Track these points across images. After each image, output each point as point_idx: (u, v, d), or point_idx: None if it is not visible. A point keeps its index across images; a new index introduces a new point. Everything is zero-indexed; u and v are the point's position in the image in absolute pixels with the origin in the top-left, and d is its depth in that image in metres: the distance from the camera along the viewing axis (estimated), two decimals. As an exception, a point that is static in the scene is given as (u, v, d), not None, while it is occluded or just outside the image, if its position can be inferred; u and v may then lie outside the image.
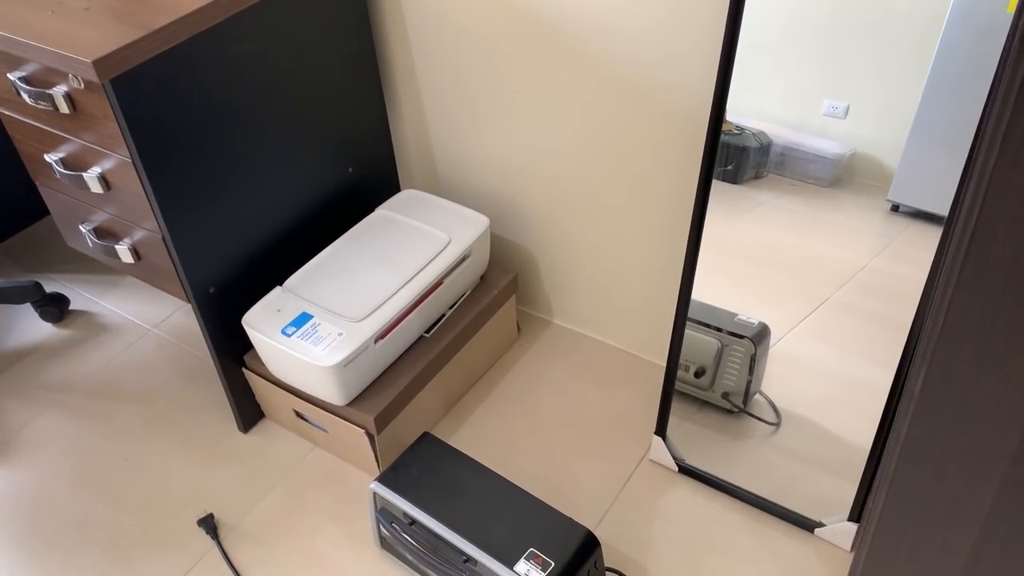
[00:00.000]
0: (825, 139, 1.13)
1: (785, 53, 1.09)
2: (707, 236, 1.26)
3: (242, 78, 1.31)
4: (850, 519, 1.28)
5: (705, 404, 1.43)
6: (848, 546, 1.30)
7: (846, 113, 1.10)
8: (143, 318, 1.83)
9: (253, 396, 1.56)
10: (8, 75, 1.27)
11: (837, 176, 1.15)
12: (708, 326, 1.35)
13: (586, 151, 1.45)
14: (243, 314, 1.46)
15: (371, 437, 1.40)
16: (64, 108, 1.22)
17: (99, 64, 1.09)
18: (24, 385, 1.70)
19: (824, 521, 1.32)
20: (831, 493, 1.32)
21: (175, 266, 1.33)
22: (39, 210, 2.12)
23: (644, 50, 1.28)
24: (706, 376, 1.42)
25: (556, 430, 1.53)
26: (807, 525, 1.34)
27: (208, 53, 1.25)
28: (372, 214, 1.58)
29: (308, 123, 1.46)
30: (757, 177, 1.21)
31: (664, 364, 1.63)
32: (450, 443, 1.41)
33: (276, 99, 1.38)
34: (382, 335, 1.38)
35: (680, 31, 1.23)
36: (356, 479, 1.48)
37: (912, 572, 0.95)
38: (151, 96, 1.19)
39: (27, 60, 1.23)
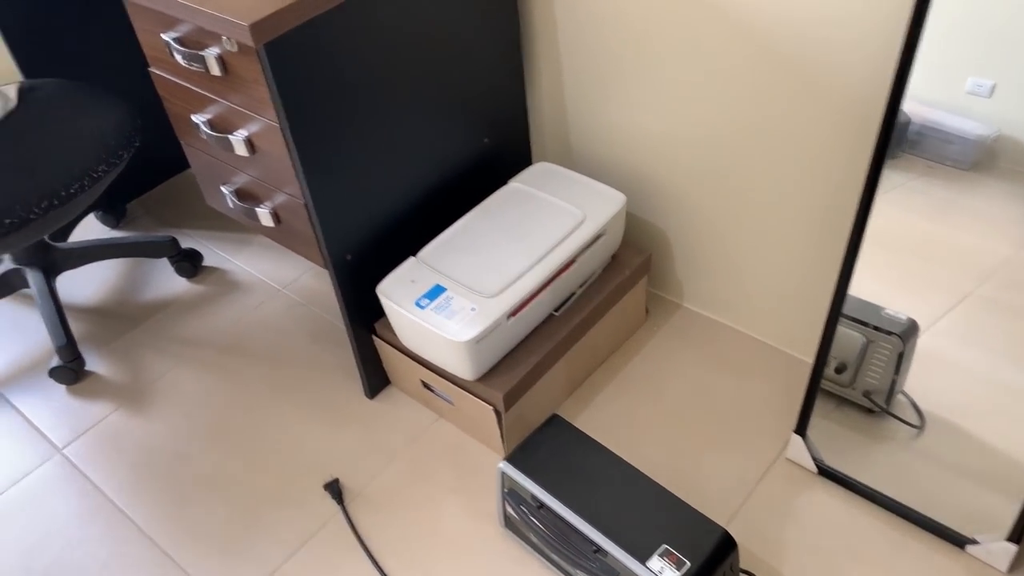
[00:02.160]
0: (967, 119, 1.04)
1: (928, 26, 0.99)
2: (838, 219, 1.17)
3: (386, 45, 1.29)
4: (1009, 539, 1.19)
5: (844, 401, 1.35)
6: (1005, 567, 1.21)
7: (992, 92, 1.00)
8: (273, 278, 1.86)
9: (381, 363, 1.56)
10: (162, 35, 1.28)
11: (978, 159, 1.05)
12: (853, 319, 1.27)
13: (735, 128, 1.38)
14: (376, 282, 1.45)
15: (498, 414, 1.38)
16: (215, 70, 1.23)
17: (255, 28, 1.08)
18: (159, 338, 1.75)
19: (977, 538, 1.23)
20: (983, 507, 1.23)
21: (315, 232, 1.33)
22: (175, 166, 2.18)
23: (813, 27, 1.19)
24: (847, 372, 1.34)
25: (684, 419, 1.48)
26: (957, 541, 1.25)
27: (356, 19, 1.23)
28: (505, 186, 1.54)
29: (447, 91, 1.43)
30: (891, 157, 1.12)
31: (803, 357, 1.56)
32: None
33: (417, 66, 1.36)
34: (514, 312, 1.35)
35: (854, 6, 1.14)
36: (479, 454, 1.47)
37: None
38: (301, 61, 1.18)
39: (181, 21, 1.23)
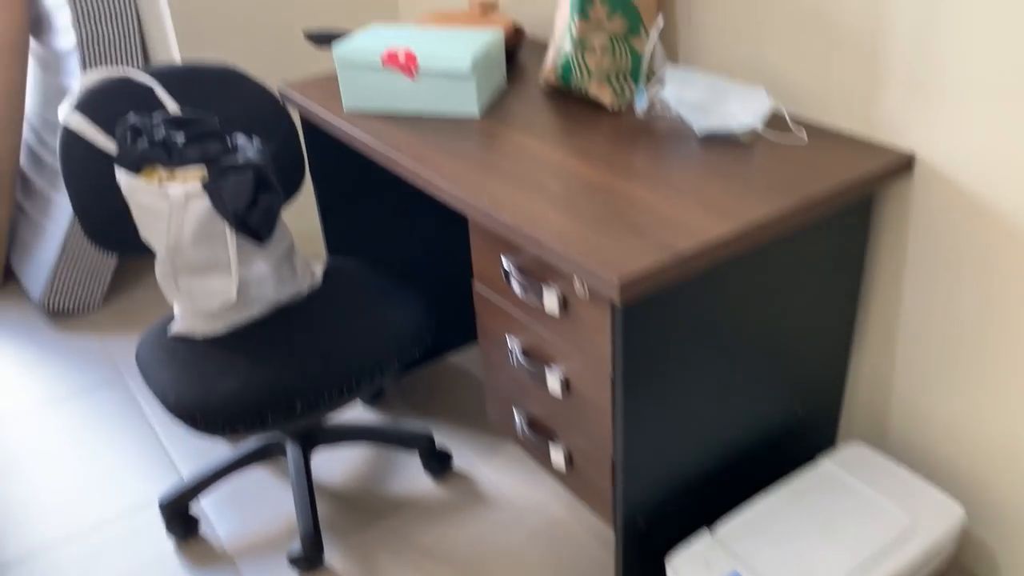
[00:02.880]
0: None
1: None
2: None
3: (730, 307, 1.20)
4: None
5: None
6: None
7: None
8: (520, 496, 1.75)
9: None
10: (502, 257, 1.25)
11: None
12: None
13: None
14: (659, 544, 1.30)
15: None
16: (552, 308, 1.17)
17: (625, 288, 1.02)
18: (398, 540, 1.67)
19: None
20: None
21: (614, 488, 1.22)
22: (439, 351, 2.17)
23: None
24: None
25: None
26: None
27: (713, 284, 1.15)
28: (817, 467, 1.37)
29: (770, 353, 1.31)
30: None
31: None
32: None
33: (751, 329, 1.25)
34: (825, 629, 1.15)
35: None
36: None
37: None
38: (651, 320, 1.10)
39: (523, 248, 1.20)
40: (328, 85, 1.69)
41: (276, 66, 2.27)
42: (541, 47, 1.86)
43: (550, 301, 1.17)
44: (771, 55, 1.42)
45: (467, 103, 1.49)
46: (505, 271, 1.25)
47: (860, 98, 1.32)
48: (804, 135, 1.34)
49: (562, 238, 1.10)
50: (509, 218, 1.16)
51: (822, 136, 1.34)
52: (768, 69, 1.43)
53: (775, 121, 1.39)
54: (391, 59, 1.49)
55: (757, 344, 1.27)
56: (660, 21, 1.40)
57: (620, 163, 1.29)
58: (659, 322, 1.12)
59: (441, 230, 2.02)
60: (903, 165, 1.26)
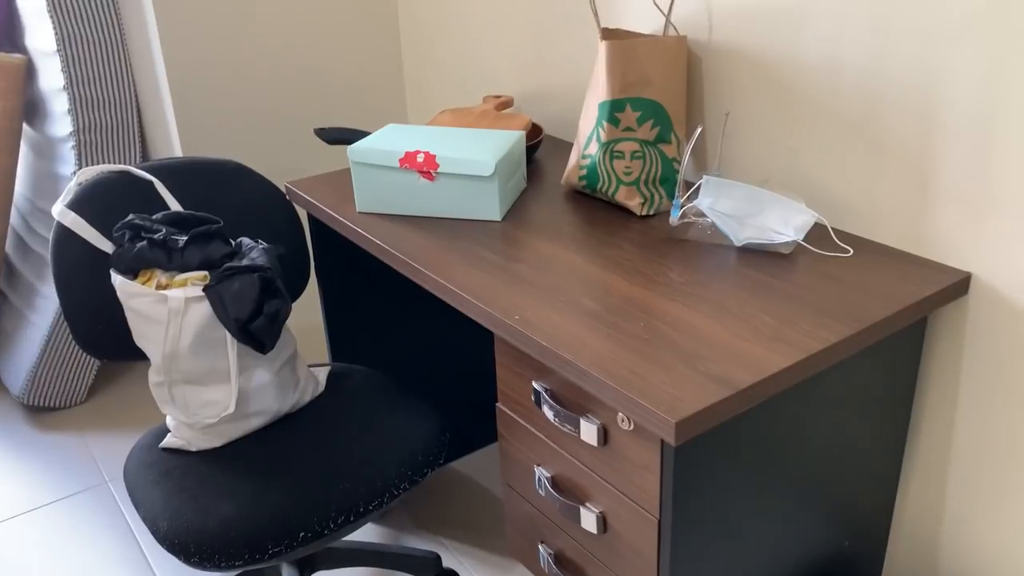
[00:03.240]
0: None
1: None
2: None
3: (783, 442, 1.10)
4: None
5: None
6: None
7: None
8: (533, 624, 1.62)
9: None
10: (533, 383, 1.15)
11: None
12: None
13: None
14: None
15: None
16: (591, 440, 1.07)
17: (683, 429, 0.92)
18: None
19: None
20: None
21: (654, 642, 1.10)
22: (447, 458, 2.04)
23: None
24: None
25: None
26: None
27: (764, 416, 1.05)
28: (868, 609, 1.26)
29: (819, 485, 1.21)
30: None
31: None
32: None
33: (803, 463, 1.15)
34: None
35: None
36: None
37: None
38: (705, 459, 1.00)
39: (558, 373, 1.10)
40: (338, 183, 1.62)
41: (280, 163, 2.20)
42: (559, 145, 1.80)
43: (588, 432, 1.07)
44: (811, 167, 1.36)
45: (488, 206, 1.41)
46: (536, 395, 1.15)
47: (909, 215, 1.25)
48: (850, 249, 1.27)
49: (604, 366, 1.01)
50: (544, 340, 1.06)
51: (869, 251, 1.27)
52: (808, 181, 1.37)
53: (816, 234, 1.32)
54: (409, 160, 1.41)
55: (806, 477, 1.17)
56: (698, 130, 1.34)
57: (657, 277, 1.21)
58: (710, 459, 1.02)
59: (452, 334, 1.93)
60: (959, 285, 1.19)
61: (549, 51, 1.80)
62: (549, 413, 1.12)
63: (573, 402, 1.10)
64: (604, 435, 1.06)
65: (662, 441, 0.98)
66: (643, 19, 1.55)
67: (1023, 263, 1.14)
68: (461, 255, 1.30)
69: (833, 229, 1.35)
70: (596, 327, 1.09)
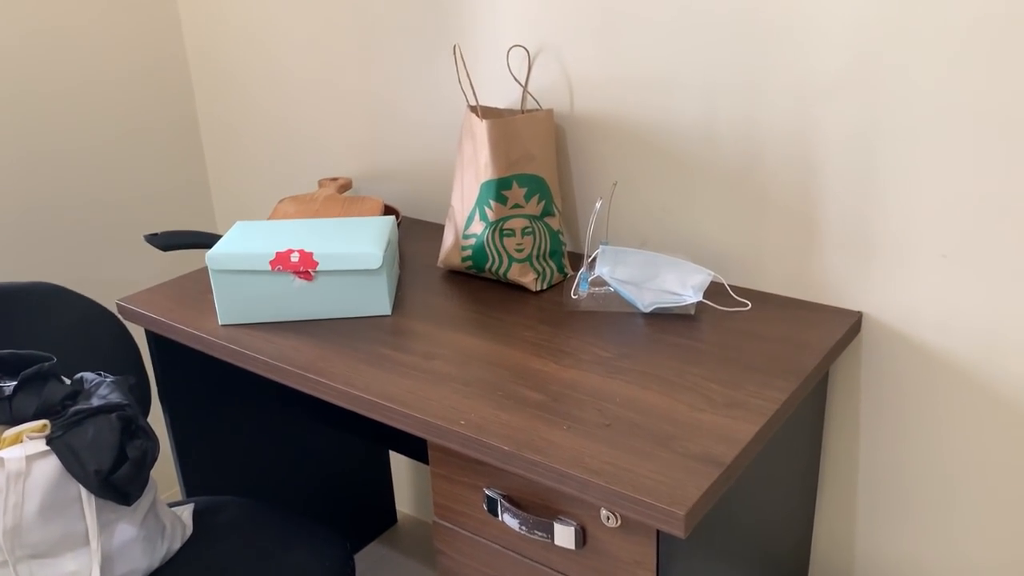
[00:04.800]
0: None
1: None
2: None
3: (745, 507, 1.09)
4: None
5: None
6: None
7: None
8: None
9: None
10: (485, 490, 1.05)
11: None
12: None
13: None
14: None
15: None
16: (568, 544, 0.99)
17: (691, 516, 0.87)
18: None
19: None
20: None
21: None
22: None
23: None
24: None
25: None
26: None
27: (738, 486, 1.04)
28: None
29: (764, 538, 1.21)
30: None
31: None
32: None
33: (753, 519, 1.15)
34: None
35: None
36: None
37: None
38: (695, 544, 0.96)
39: (517, 476, 1.02)
40: (179, 294, 1.42)
41: (95, 278, 1.94)
42: (411, 224, 1.71)
43: (564, 536, 0.99)
44: (701, 225, 1.38)
45: (377, 301, 1.30)
46: (490, 503, 1.05)
47: (797, 263, 1.31)
48: (747, 303, 1.30)
49: (582, 463, 0.94)
50: (504, 444, 0.97)
51: (764, 301, 1.31)
52: (699, 240, 1.39)
53: (712, 290, 1.34)
54: (282, 261, 1.27)
55: (756, 534, 1.17)
56: (598, 203, 1.32)
57: (584, 355, 1.16)
58: (696, 543, 0.98)
59: (325, 438, 1.77)
60: (855, 325, 1.25)
61: (385, 130, 1.72)
62: (512, 522, 1.03)
63: (540, 505, 1.02)
64: (583, 536, 0.99)
65: (657, 533, 0.92)
66: (496, 92, 1.52)
67: (907, 297, 1.23)
68: (365, 358, 1.18)
69: (728, 284, 1.38)
70: (552, 420, 1.02)
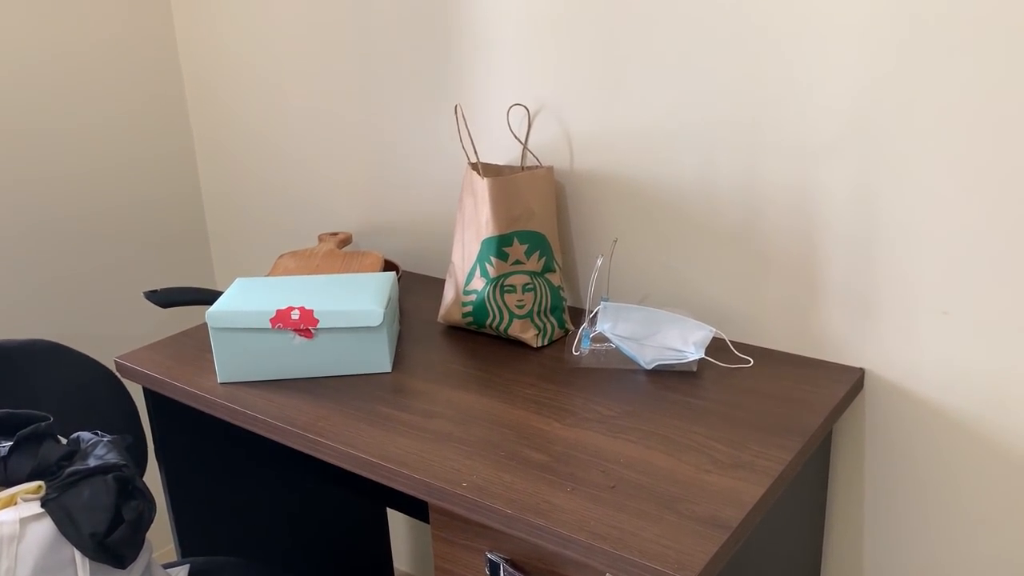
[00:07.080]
0: None
1: None
2: None
3: (752, 570, 1.07)
4: None
5: None
6: None
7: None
8: None
9: None
10: (487, 553, 1.04)
11: None
12: None
13: None
14: None
15: None
16: (573, 608, 0.97)
17: (701, 583, 0.86)
18: None
19: None
20: None
21: None
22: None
23: None
24: None
25: None
26: None
27: (744, 550, 1.02)
28: None
29: None
30: None
31: None
32: None
33: (761, 581, 1.13)
34: None
35: None
36: None
37: None
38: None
39: (522, 539, 1.00)
40: (178, 352, 1.41)
41: (92, 333, 1.93)
42: (410, 279, 1.71)
43: (568, 601, 0.97)
44: (702, 282, 1.38)
45: (377, 358, 1.29)
46: (492, 566, 1.03)
47: (799, 320, 1.31)
48: (750, 360, 1.30)
49: (587, 527, 0.92)
50: (506, 507, 0.96)
51: (766, 358, 1.30)
52: (701, 296, 1.39)
53: (714, 346, 1.34)
54: (282, 319, 1.26)
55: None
56: (599, 260, 1.33)
57: (586, 413, 1.15)
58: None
59: (322, 496, 1.74)
60: (858, 382, 1.25)
61: (386, 185, 1.73)
62: (516, 587, 1.01)
63: (544, 570, 1.00)
64: (588, 601, 0.97)
65: (667, 600, 0.91)
66: (496, 149, 1.54)
67: (910, 354, 1.23)
68: (365, 418, 1.17)
69: (729, 340, 1.38)
70: (555, 481, 1.01)
